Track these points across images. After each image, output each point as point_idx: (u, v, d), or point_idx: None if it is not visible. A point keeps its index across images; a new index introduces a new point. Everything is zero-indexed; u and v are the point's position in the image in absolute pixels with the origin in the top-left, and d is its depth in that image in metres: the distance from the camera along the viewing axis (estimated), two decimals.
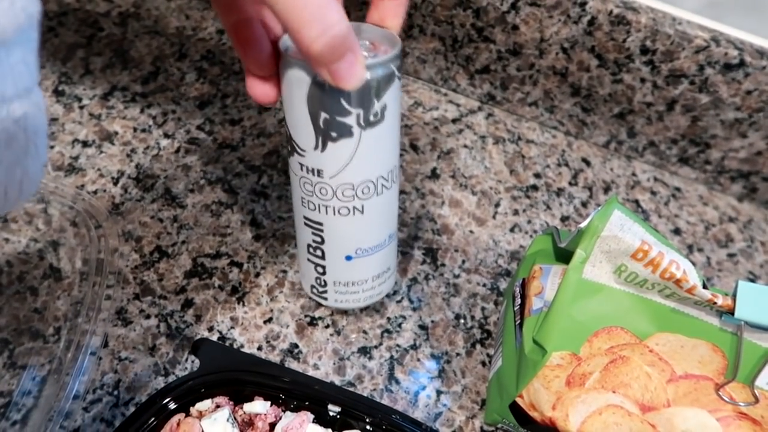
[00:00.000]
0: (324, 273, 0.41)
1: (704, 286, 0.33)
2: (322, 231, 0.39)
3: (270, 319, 0.44)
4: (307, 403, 0.36)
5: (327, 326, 0.44)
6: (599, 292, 0.34)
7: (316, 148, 0.34)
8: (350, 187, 0.36)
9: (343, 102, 0.32)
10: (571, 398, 0.35)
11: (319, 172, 0.36)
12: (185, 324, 0.42)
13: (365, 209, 0.37)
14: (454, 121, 0.60)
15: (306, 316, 0.44)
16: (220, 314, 0.43)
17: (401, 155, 0.56)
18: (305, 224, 0.39)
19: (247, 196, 0.50)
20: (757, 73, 0.51)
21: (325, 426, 0.35)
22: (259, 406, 0.35)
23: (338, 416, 0.36)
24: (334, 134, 0.33)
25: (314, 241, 0.40)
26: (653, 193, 0.59)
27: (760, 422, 0.34)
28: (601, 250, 0.33)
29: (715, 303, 0.32)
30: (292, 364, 0.42)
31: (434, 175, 0.55)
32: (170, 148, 0.52)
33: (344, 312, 0.45)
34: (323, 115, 0.33)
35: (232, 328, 0.43)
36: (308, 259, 0.41)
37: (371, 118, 0.33)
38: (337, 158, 0.34)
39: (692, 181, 0.60)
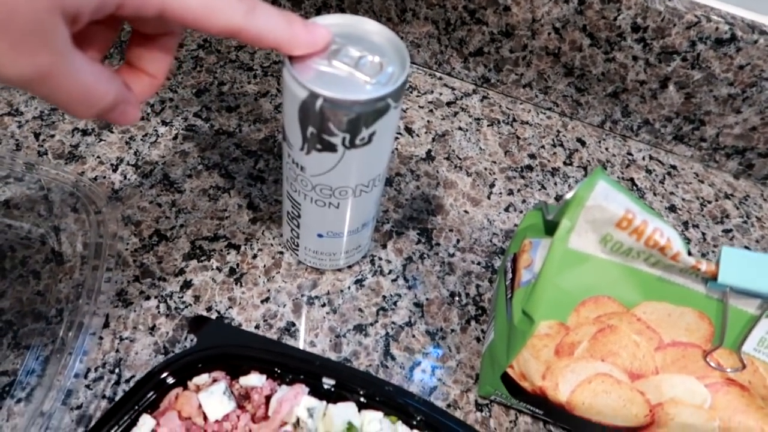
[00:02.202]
0: (298, 237, 0.44)
1: (689, 254, 0.33)
2: (299, 209, 0.41)
3: (267, 299, 0.45)
4: (301, 376, 0.37)
5: (323, 305, 0.45)
6: (585, 262, 0.35)
7: (301, 149, 0.36)
8: (328, 188, 0.37)
9: (331, 126, 0.33)
10: (560, 368, 0.36)
11: (302, 168, 0.37)
12: (184, 304, 0.43)
13: (341, 206, 0.39)
14: (448, 104, 0.61)
15: (303, 295, 0.45)
16: (218, 295, 0.44)
17: (395, 138, 0.56)
18: (287, 197, 0.41)
19: (244, 181, 0.51)
20: (749, 48, 0.51)
21: (320, 398, 0.36)
22: (254, 379, 0.36)
23: (333, 389, 0.37)
24: (319, 146, 0.35)
25: (292, 212, 0.42)
26: (648, 171, 0.59)
27: (748, 388, 0.34)
28: (586, 219, 0.34)
29: (699, 269, 0.33)
30: (289, 342, 0.43)
31: (429, 157, 0.56)
32: (168, 135, 0.53)
33: (340, 291, 0.46)
34: (311, 129, 0.34)
35: (230, 308, 0.44)
36: (287, 221, 0.44)
37: (357, 141, 0.34)
38: (320, 164, 0.36)
39: (688, 158, 0.61)
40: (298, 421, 0.35)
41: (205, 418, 0.35)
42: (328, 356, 0.42)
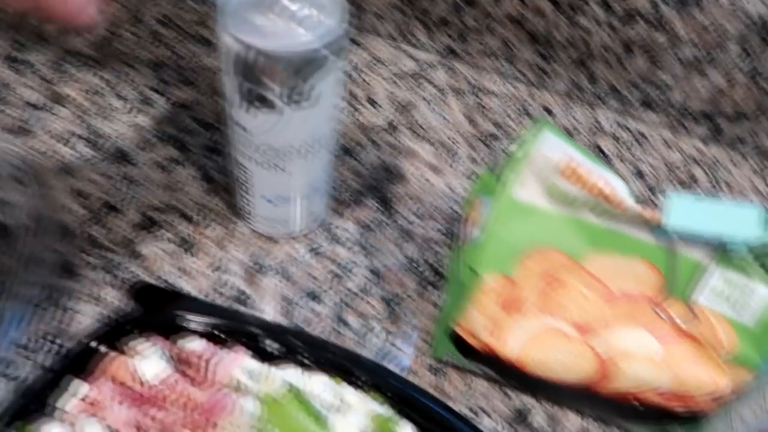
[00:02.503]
0: (248, 204, 0.43)
1: (637, 202, 0.32)
2: (246, 172, 0.40)
3: (218, 268, 0.44)
4: (243, 339, 0.36)
5: (276, 273, 0.44)
6: (531, 214, 0.34)
7: (241, 107, 0.35)
8: (272, 149, 0.37)
9: (267, 80, 0.32)
10: (509, 324, 0.35)
11: (244, 128, 0.36)
12: (132, 275, 0.42)
13: (287, 168, 0.38)
14: (413, 75, 0.60)
15: (256, 264, 0.44)
16: (168, 265, 0.43)
17: (357, 109, 0.55)
18: (234, 161, 0.41)
19: (200, 153, 0.50)
20: (712, 7, 0.50)
21: (263, 361, 0.35)
22: (194, 343, 0.35)
23: (276, 352, 0.36)
24: (257, 103, 0.34)
25: (240, 177, 0.41)
26: (616, 138, 0.58)
27: (699, 338, 0.33)
28: (531, 170, 0.33)
29: (645, 217, 0.32)
30: (240, 311, 0.42)
31: (391, 127, 0.55)
32: (122, 109, 0.52)
33: (294, 259, 0.45)
34: (247, 84, 0.33)
35: (179, 277, 0.43)
36: (237, 188, 0.43)
37: (296, 97, 0.33)
38: (260, 123, 0.35)
39: (656, 125, 0.60)
40: (239, 384, 0.34)
41: (142, 383, 0.34)
42: (278, 323, 0.41)
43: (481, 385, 0.41)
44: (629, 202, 0.32)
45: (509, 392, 0.41)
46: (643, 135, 0.59)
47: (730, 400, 0.34)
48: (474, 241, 0.36)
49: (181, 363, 0.35)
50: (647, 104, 0.58)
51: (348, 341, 0.41)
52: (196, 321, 0.36)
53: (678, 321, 0.33)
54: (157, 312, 0.35)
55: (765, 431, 0.32)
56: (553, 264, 0.34)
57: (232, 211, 0.47)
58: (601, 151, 0.56)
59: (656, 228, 0.32)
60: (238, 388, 0.34)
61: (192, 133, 0.51)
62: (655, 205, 0.53)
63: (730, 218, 0.30)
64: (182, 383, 0.34)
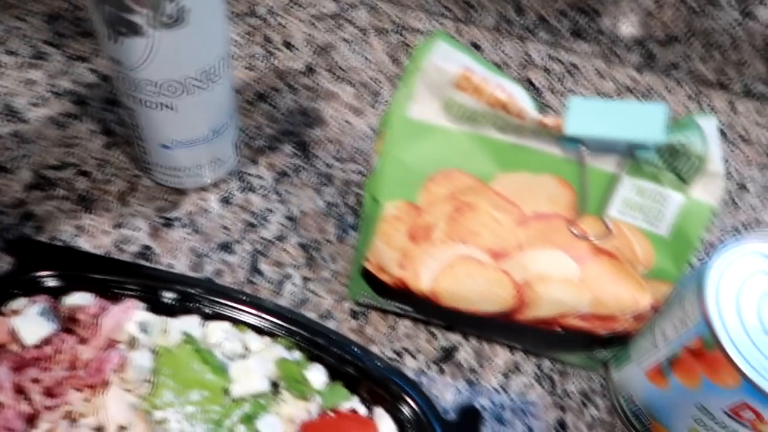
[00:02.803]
0: (145, 153, 0.40)
1: (540, 112, 0.30)
2: (134, 116, 0.37)
3: (120, 224, 0.41)
4: (136, 292, 0.33)
5: (184, 225, 0.41)
6: (431, 133, 0.31)
7: (109, 39, 0.32)
8: (152, 84, 0.33)
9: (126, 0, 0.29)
10: (419, 254, 0.33)
11: (118, 62, 0.33)
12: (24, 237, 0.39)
13: (176, 106, 0.35)
14: (332, 17, 0.56)
15: (161, 217, 0.41)
16: (63, 224, 0.40)
17: (272, 53, 0.52)
18: (123, 106, 0.37)
19: (99, 106, 0.46)
20: None
21: (160, 314, 0.33)
22: (79, 298, 0.32)
23: (173, 302, 0.33)
24: (122, 29, 0.31)
25: (130, 122, 0.38)
26: (547, 70, 0.56)
27: (616, 255, 0.32)
28: (425, 84, 0.30)
29: (545, 124, 0.30)
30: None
31: (309, 70, 0.52)
32: (13, 64, 0.48)
33: (204, 210, 0.42)
34: (107, 7, 0.30)
35: (76, 236, 0.40)
36: (132, 135, 0.39)
37: (165, 19, 0.30)
38: (131, 54, 0.32)
39: (588, 56, 0.58)
40: (132, 339, 0.32)
41: (23, 345, 0.31)
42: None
43: (404, 326, 0.39)
44: (530, 110, 0.29)
45: (434, 331, 0.39)
46: (575, 66, 0.57)
47: (651, 317, 0.33)
48: (374, 169, 0.33)
49: (69, 321, 0.32)
50: (577, 34, 0.56)
51: (263, 291, 0.39)
52: (81, 276, 0.33)
53: (593, 238, 0.32)
54: (35, 267, 0.32)
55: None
56: (460, 186, 0.32)
57: (135, 165, 0.43)
58: (532, 85, 0.54)
59: (562, 139, 0.30)
60: (132, 343, 0.32)
61: (90, 87, 0.47)
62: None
63: (635, 119, 0.28)
64: (71, 342, 0.31)
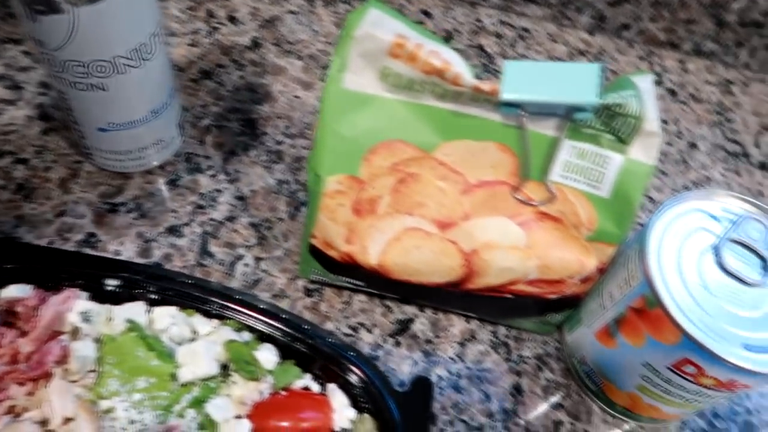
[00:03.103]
0: (83, 138, 0.38)
1: (477, 78, 0.29)
2: (66, 99, 0.35)
3: (63, 213, 0.39)
4: (79, 281, 0.32)
5: (130, 210, 0.40)
6: (369, 104, 0.31)
7: (27, 18, 0.30)
8: (80, 64, 0.32)
9: None
10: (365, 228, 0.32)
11: (41, 43, 0.32)
12: None
13: (108, 87, 0.34)
14: None
15: (106, 203, 0.40)
16: (2, 215, 0.39)
17: (216, 29, 0.50)
18: (55, 89, 0.36)
19: (34, 90, 0.45)
20: None
21: (103, 302, 0.32)
22: (16, 290, 0.31)
23: (117, 289, 0.32)
24: (40, 7, 0.29)
25: (65, 107, 0.36)
26: (499, 36, 0.55)
27: (560, 219, 0.32)
28: (359, 53, 0.30)
29: (482, 90, 0.29)
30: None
31: (255, 45, 0.50)
32: None
33: (150, 194, 0.41)
34: None
35: (17, 227, 0.38)
36: (69, 121, 0.38)
37: None
38: (53, 33, 0.31)
39: (540, 19, 0.57)
40: (75, 329, 0.31)
41: None
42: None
43: (359, 300, 0.39)
44: (466, 76, 0.29)
45: (390, 304, 0.39)
46: (527, 30, 0.56)
47: (598, 279, 0.33)
48: (314, 144, 0.33)
49: (8, 315, 0.31)
50: None
51: (215, 273, 0.38)
52: (16, 268, 0.32)
53: (537, 203, 0.32)
54: None
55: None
56: (402, 157, 0.31)
57: (76, 150, 0.42)
58: (484, 51, 0.54)
59: (501, 104, 0.30)
60: (74, 333, 0.31)
61: (25, 70, 0.45)
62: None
63: (569, 81, 0.28)
64: (10, 336, 0.31)
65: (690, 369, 0.29)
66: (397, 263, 0.33)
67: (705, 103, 0.53)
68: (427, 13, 0.56)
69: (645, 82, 0.29)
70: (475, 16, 0.56)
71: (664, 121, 0.51)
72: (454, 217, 0.32)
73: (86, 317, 0.31)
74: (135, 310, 0.32)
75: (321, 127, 0.31)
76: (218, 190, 0.42)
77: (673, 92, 0.54)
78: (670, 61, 0.56)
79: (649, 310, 0.29)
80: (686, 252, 0.30)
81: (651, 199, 0.46)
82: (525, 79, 0.28)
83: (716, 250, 0.30)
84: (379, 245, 0.32)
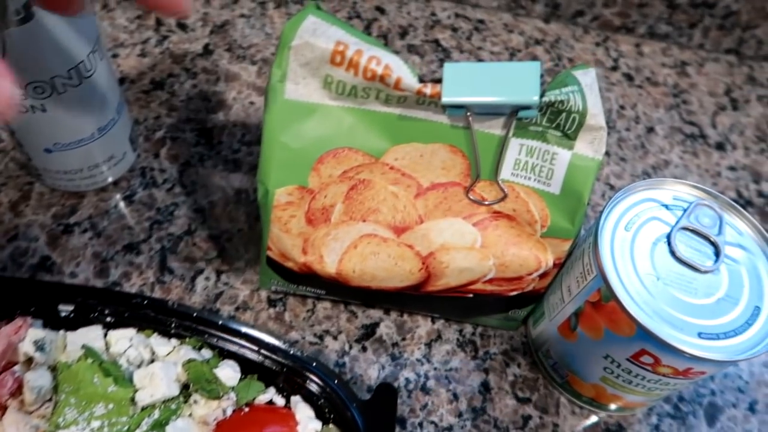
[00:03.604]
0: (30, 158, 0.37)
1: (421, 81, 0.29)
2: (8, 123, 0.34)
3: (15, 237, 0.39)
4: (32, 308, 0.31)
5: (85, 230, 0.39)
6: (313, 113, 0.30)
7: None
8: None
9: None
10: (320, 237, 0.32)
11: None
12: None
13: (48, 108, 0.33)
14: None
15: (59, 224, 0.39)
16: None
17: (166, 37, 0.50)
18: None
19: None
20: None
21: (58, 328, 0.31)
22: None
23: (72, 315, 0.32)
24: None
25: (9, 130, 0.35)
26: (454, 29, 0.55)
27: (514, 217, 0.32)
28: (299, 63, 0.29)
29: (424, 93, 0.29)
30: (45, 279, 0.37)
31: (207, 51, 0.49)
32: None
33: (105, 212, 0.40)
34: None
35: None
36: (15, 143, 0.37)
37: (12, 17, 0.28)
38: None
39: (495, 10, 0.57)
40: (29, 358, 0.30)
41: None
42: (93, 284, 0.37)
43: (323, 307, 0.38)
44: (407, 80, 0.29)
45: (355, 309, 0.39)
46: (482, 22, 0.56)
47: (555, 274, 0.33)
48: (261, 156, 0.32)
49: None
50: None
51: (175, 289, 0.38)
52: None
53: (490, 202, 0.31)
54: None
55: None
56: (351, 164, 0.31)
57: (27, 171, 0.41)
58: (440, 45, 0.53)
59: (447, 107, 0.30)
60: (29, 363, 0.30)
61: None
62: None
63: (509, 81, 0.28)
64: None
65: (647, 359, 0.29)
66: (355, 270, 0.32)
67: (661, 86, 0.54)
68: (381, 10, 0.55)
69: (587, 76, 0.29)
70: (430, 10, 0.56)
71: (622, 107, 0.52)
72: (409, 221, 0.32)
73: (40, 346, 0.30)
74: (91, 334, 0.31)
75: (266, 140, 0.30)
76: (175, 204, 0.41)
77: (629, 77, 0.54)
78: (626, 45, 0.56)
79: (604, 303, 0.30)
80: (639, 243, 0.31)
81: (611, 186, 0.47)
82: (465, 81, 0.28)
83: (669, 239, 0.31)
84: (336, 254, 0.32)
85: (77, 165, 0.38)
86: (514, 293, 0.34)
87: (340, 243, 0.32)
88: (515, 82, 0.27)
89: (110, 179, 0.41)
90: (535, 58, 0.54)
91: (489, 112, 0.29)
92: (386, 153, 0.31)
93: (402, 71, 0.28)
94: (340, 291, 0.35)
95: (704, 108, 0.53)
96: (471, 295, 0.34)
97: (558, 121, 0.29)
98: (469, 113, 0.29)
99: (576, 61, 0.54)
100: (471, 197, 0.31)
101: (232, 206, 0.42)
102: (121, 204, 0.41)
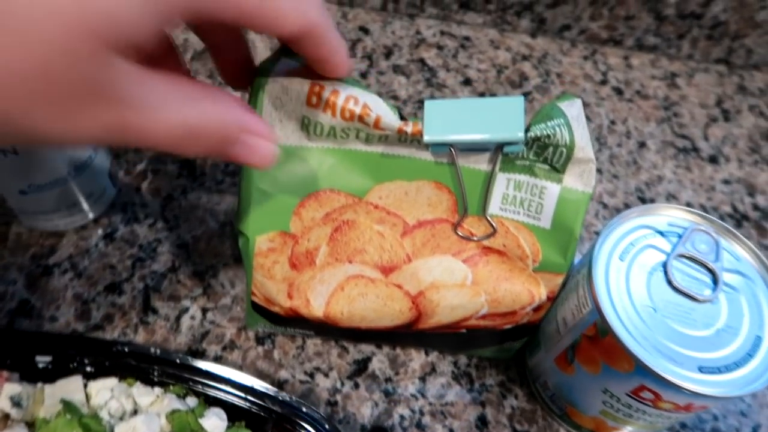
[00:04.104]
0: (5, 201, 0.37)
1: (402, 118, 0.28)
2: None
3: None
4: (8, 361, 0.30)
5: (65, 271, 0.38)
6: (293, 156, 0.29)
7: None
8: None
9: None
10: (305, 281, 0.31)
11: None
12: None
13: (19, 149, 0.32)
14: None
15: (38, 266, 0.38)
16: None
17: None
18: None
19: None
20: None
21: (36, 380, 0.30)
22: None
23: (50, 366, 0.31)
24: None
25: None
26: (440, 47, 0.54)
27: (504, 252, 0.31)
28: (275, 106, 0.28)
29: (405, 132, 0.28)
30: (24, 324, 0.36)
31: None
32: None
33: (86, 251, 0.39)
34: None
35: None
36: None
37: None
38: None
39: (480, 26, 0.56)
40: (6, 416, 0.29)
41: None
42: (74, 328, 0.36)
43: (314, 344, 0.37)
44: (387, 119, 0.27)
45: (346, 344, 0.37)
46: (468, 39, 0.55)
47: (550, 306, 0.32)
48: (239, 203, 0.31)
49: None
50: (465, 5, 0.54)
51: (159, 330, 0.37)
52: None
53: (479, 238, 0.30)
54: None
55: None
56: (334, 206, 0.30)
57: (3, 211, 0.40)
58: (426, 65, 0.53)
59: (431, 145, 0.29)
60: (5, 420, 0.29)
61: None
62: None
63: (493, 116, 0.27)
64: None
65: (648, 395, 0.28)
66: (344, 313, 0.31)
67: (652, 99, 0.53)
68: (365, 30, 0.54)
69: (573, 107, 0.28)
70: (415, 28, 0.55)
71: (612, 122, 0.51)
72: (396, 260, 0.31)
73: (16, 402, 0.29)
74: (70, 386, 0.30)
75: (244, 188, 0.29)
76: (158, 240, 0.40)
77: (619, 91, 0.53)
78: (614, 58, 0.55)
79: (601, 338, 0.29)
80: (635, 273, 0.30)
81: (604, 205, 0.46)
82: (447, 119, 0.27)
83: (665, 268, 0.30)
84: (323, 297, 0.31)
85: (54, 205, 0.37)
86: (508, 326, 0.33)
87: (327, 286, 0.31)
88: (499, 118, 0.26)
89: (90, 216, 0.40)
90: (523, 74, 0.53)
91: (473, 148, 0.28)
92: (370, 192, 0.30)
93: (381, 110, 0.27)
94: (329, 331, 0.34)
95: (696, 120, 0.52)
96: (464, 331, 0.33)
97: (545, 155, 0.28)
98: (452, 149, 0.28)
99: (564, 77, 0.53)
100: (459, 233, 0.30)
101: (217, 240, 0.41)
102: (102, 242, 0.40)
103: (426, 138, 0.27)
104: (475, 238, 0.30)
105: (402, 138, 0.28)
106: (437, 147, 0.28)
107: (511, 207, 0.29)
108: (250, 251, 0.30)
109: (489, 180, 0.29)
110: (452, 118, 0.27)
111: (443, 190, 0.30)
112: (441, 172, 0.29)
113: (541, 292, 0.31)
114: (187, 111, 0.20)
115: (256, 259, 0.30)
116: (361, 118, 0.27)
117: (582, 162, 0.28)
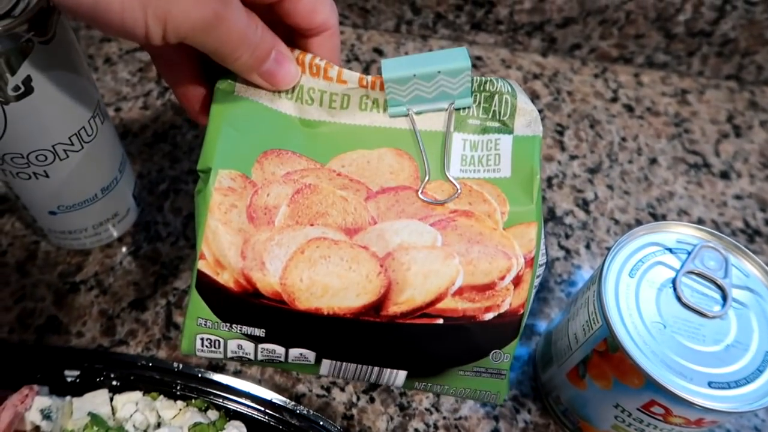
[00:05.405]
0: (35, 221, 0.38)
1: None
2: (11, 187, 0.35)
3: (22, 297, 0.39)
4: (38, 375, 0.32)
5: (91, 288, 0.40)
6: (261, 113, 0.31)
7: None
8: (19, 156, 0.32)
9: None
10: (262, 242, 0.29)
11: None
12: None
13: (50, 173, 0.34)
14: None
15: (66, 283, 0.40)
16: None
17: (168, 88, 0.50)
18: (1, 180, 0.35)
19: None
20: None
21: (64, 394, 0.31)
22: None
23: (77, 379, 0.32)
24: None
25: (10, 193, 0.36)
26: None
27: (471, 213, 0.30)
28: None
29: (365, 82, 0.30)
30: (52, 339, 0.37)
31: None
32: None
33: (111, 268, 0.41)
34: None
35: None
36: (19, 206, 0.37)
37: (11, 92, 0.28)
38: None
39: (492, 46, 0.57)
40: (37, 428, 0.30)
41: None
42: (99, 344, 0.37)
43: None
44: (348, 72, 0.30)
45: None
46: (480, 59, 0.56)
47: (530, 279, 0.31)
48: (204, 143, 0.31)
49: None
50: (477, 26, 0.56)
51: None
52: None
53: (444, 200, 0.31)
54: None
55: None
56: (295, 167, 0.31)
57: (33, 230, 0.41)
58: None
59: (387, 105, 0.31)
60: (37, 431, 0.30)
61: None
62: None
63: (442, 58, 0.30)
64: None
65: (658, 410, 0.29)
66: (304, 281, 0.30)
67: (662, 116, 0.54)
68: (379, 51, 0.56)
69: (509, 80, 0.31)
70: (428, 49, 0.56)
71: (623, 138, 0.52)
72: (361, 221, 0.30)
73: (47, 414, 0.30)
74: (97, 400, 0.31)
75: (212, 127, 0.30)
76: (180, 258, 0.42)
77: (630, 108, 0.54)
78: (625, 75, 0.56)
79: (612, 353, 0.29)
80: (644, 289, 0.30)
81: (616, 221, 0.46)
82: (403, 66, 0.30)
83: (674, 285, 0.30)
84: (280, 260, 0.30)
85: (82, 225, 0.38)
86: (490, 315, 0.32)
87: (285, 249, 0.30)
88: (447, 59, 0.30)
89: (115, 235, 0.41)
90: (534, 92, 0.54)
91: (429, 109, 0.31)
92: (331, 160, 0.31)
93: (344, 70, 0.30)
94: (283, 326, 0.31)
95: (707, 136, 0.52)
96: (441, 321, 0.32)
97: (493, 108, 0.30)
98: (409, 110, 0.30)
99: (575, 95, 0.54)
100: (423, 198, 0.31)
101: None
102: (127, 260, 0.41)
103: (385, 76, 0.30)
104: (440, 202, 0.31)
105: (363, 104, 0.31)
106: (396, 109, 0.31)
107: (470, 167, 0.31)
108: (209, 186, 0.30)
109: (445, 140, 0.31)
110: (405, 65, 0.30)
111: (404, 157, 0.31)
112: (401, 138, 0.31)
113: (516, 253, 0.30)
114: (254, 28, 0.27)
115: (215, 196, 0.29)
116: (326, 71, 0.30)
117: (526, 113, 0.30)
